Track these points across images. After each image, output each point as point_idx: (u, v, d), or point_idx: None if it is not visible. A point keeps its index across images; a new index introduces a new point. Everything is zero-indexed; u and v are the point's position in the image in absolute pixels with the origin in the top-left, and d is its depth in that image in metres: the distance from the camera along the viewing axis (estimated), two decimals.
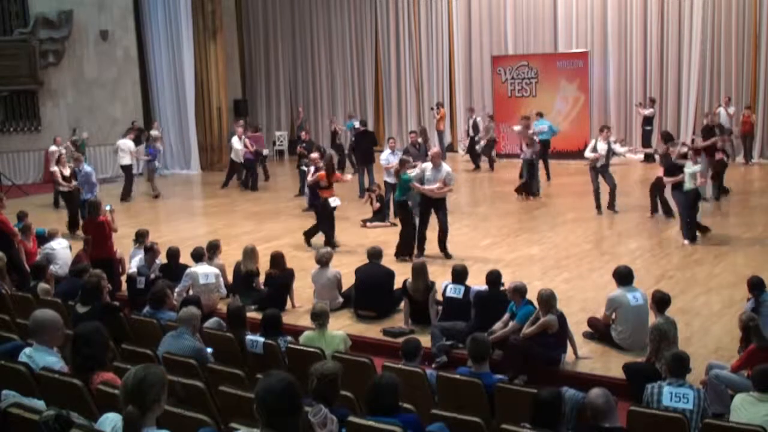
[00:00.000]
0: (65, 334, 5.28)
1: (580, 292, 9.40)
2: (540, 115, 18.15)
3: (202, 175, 22.00)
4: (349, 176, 13.43)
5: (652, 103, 19.69)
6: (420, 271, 8.48)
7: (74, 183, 14.56)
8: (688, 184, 11.44)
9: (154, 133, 21.08)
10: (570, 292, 9.32)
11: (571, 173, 18.27)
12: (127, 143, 17.98)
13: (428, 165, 11.22)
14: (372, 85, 25.12)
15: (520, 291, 7.54)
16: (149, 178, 18.27)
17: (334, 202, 11.88)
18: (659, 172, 13.12)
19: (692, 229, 11.55)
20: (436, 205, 11.10)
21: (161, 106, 22.59)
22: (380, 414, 4.58)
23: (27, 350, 5.24)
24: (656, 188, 13.15)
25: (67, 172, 15.12)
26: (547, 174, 17.34)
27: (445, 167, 11.18)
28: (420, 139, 15.78)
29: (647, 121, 19.26)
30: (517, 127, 16.56)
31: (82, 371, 4.73)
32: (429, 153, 12.48)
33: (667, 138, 13.71)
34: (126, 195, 17.60)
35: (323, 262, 9.25)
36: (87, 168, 14.14)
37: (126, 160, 17.70)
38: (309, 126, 22.09)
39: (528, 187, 15.55)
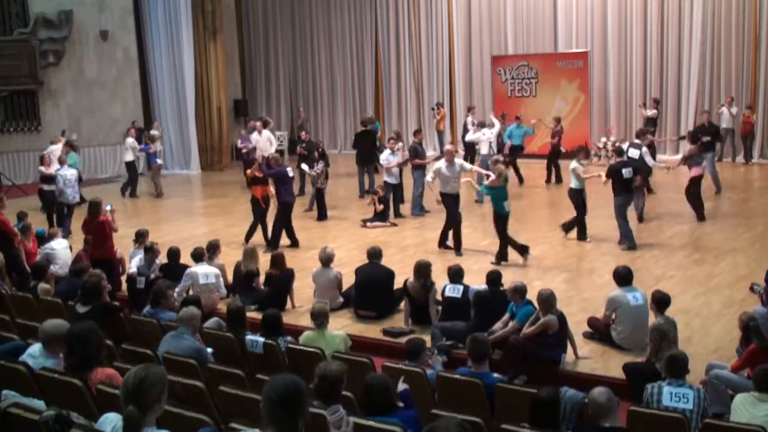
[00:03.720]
0: None
1: (580, 292, 9.41)
2: (517, 119, 18.03)
3: (202, 175, 22.00)
4: None
5: (656, 104, 19.47)
6: (421, 270, 8.48)
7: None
8: (574, 182, 11.82)
9: (154, 132, 21.12)
10: (570, 292, 9.33)
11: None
12: (129, 140, 18.34)
13: (442, 163, 11.58)
14: (372, 85, 25.09)
15: (520, 291, 7.54)
16: (154, 177, 18.42)
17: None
18: (690, 173, 13.06)
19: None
20: (456, 201, 11.53)
21: (161, 106, 22.59)
22: (377, 414, 4.57)
23: (31, 349, 5.26)
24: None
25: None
26: (520, 178, 17.19)
27: (458, 161, 11.74)
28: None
29: (650, 122, 19.19)
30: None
31: (77, 370, 4.73)
32: (444, 150, 12.69)
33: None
34: (132, 191, 18.04)
35: (326, 261, 9.25)
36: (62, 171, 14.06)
37: (129, 156, 18.06)
38: (309, 126, 22.08)
39: None
